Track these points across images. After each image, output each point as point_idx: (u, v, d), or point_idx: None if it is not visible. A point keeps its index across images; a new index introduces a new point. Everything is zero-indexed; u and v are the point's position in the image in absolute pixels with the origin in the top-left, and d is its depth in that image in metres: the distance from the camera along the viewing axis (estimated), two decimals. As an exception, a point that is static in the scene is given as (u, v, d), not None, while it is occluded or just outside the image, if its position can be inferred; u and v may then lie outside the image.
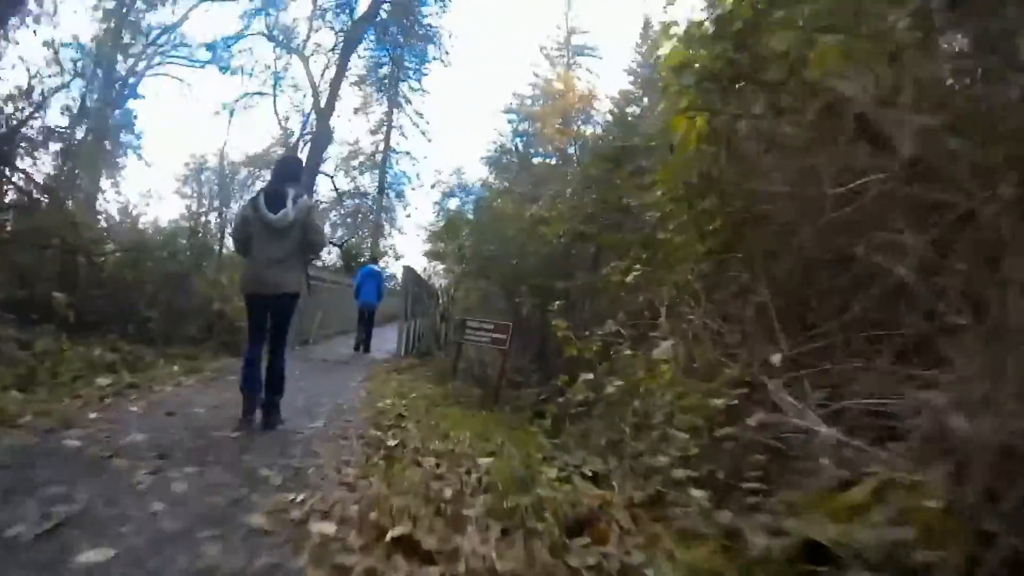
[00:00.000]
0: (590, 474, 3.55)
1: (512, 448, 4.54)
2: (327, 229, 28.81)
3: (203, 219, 20.95)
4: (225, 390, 6.02)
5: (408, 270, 10.28)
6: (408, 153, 32.15)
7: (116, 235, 10.11)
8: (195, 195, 27.84)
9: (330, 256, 26.47)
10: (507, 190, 14.22)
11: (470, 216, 13.67)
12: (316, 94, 24.48)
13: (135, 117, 26.28)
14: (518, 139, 35.28)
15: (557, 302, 6.11)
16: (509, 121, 36.93)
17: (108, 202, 13.99)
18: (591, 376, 4.48)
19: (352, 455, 3.77)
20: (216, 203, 25.93)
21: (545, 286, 8.46)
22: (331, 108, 24.81)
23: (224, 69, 25.36)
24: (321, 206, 28.57)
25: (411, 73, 31.74)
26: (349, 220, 30.02)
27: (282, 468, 3.29)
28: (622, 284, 6.20)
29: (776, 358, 3.10)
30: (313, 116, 24.77)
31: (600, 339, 5.23)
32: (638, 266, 5.26)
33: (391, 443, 4.26)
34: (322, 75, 24.99)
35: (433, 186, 29.51)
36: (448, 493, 3.16)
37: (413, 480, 3.34)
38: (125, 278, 9.01)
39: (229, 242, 12.99)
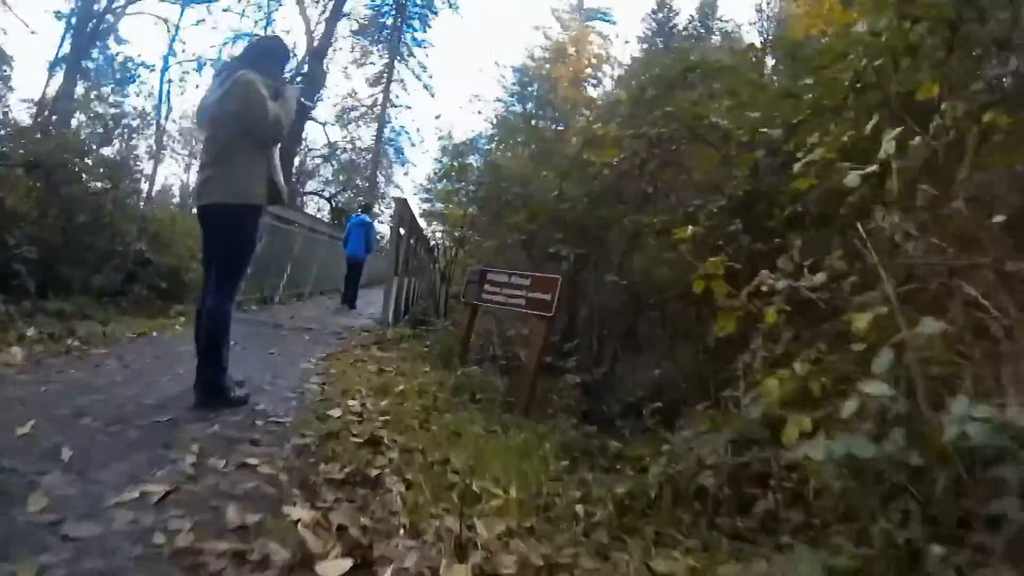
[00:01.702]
0: None
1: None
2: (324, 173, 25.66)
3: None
4: (61, 376, 3.19)
5: (401, 204, 7.17)
6: (409, 107, 29.05)
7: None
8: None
9: (320, 213, 23.46)
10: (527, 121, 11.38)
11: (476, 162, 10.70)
12: (309, 32, 21.25)
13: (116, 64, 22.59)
14: (528, 103, 31.97)
15: (690, 227, 3.23)
16: (514, 84, 33.61)
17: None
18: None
19: None
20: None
21: (608, 218, 5.61)
22: (325, 49, 21.61)
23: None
24: (315, 157, 25.36)
25: (415, 23, 28.39)
26: (343, 177, 26.77)
27: None
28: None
29: None
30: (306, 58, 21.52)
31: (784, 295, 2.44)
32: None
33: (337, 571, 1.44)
34: (320, 17, 21.66)
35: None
36: None
37: None
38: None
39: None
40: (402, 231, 7.18)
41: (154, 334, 5.09)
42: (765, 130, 4.66)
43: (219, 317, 2.90)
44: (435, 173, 10.36)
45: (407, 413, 3.38)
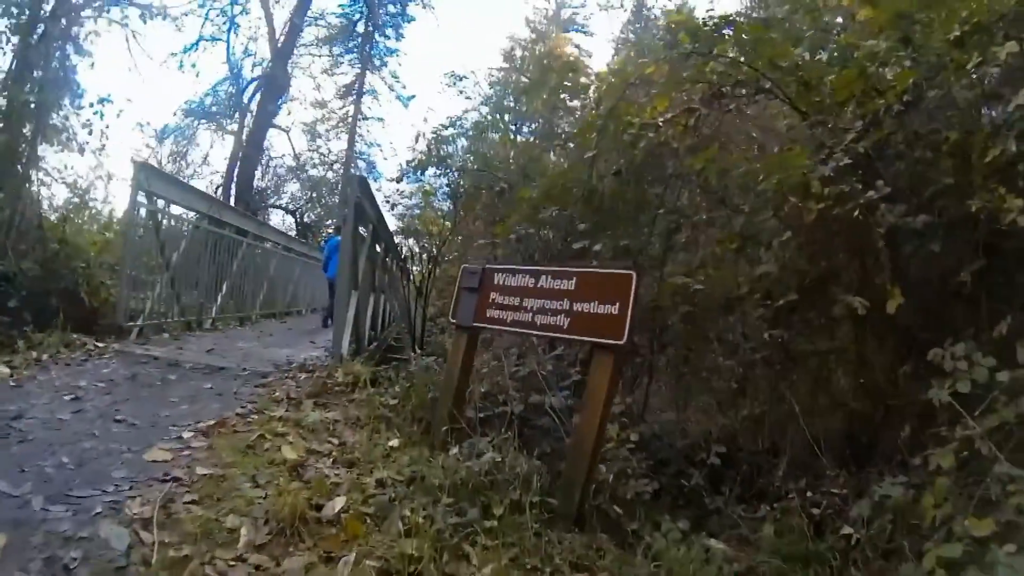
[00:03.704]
0: None
1: None
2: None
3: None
4: None
5: (359, 185, 4.68)
6: (381, 120, 27.16)
7: None
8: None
9: (287, 228, 21.09)
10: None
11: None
12: (272, 31, 19.02)
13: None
14: (506, 114, 30.14)
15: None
16: (490, 95, 31.82)
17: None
18: None
19: None
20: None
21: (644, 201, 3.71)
22: (290, 50, 19.46)
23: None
24: (278, 168, 22.85)
25: (388, 31, 26.34)
26: (313, 193, 24.38)
27: None
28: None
29: None
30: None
31: None
32: None
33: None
34: (287, 19, 19.41)
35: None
36: None
37: None
38: None
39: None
40: (362, 229, 4.98)
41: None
42: (902, 53, 3.19)
43: None
44: (408, 164, 8.23)
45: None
